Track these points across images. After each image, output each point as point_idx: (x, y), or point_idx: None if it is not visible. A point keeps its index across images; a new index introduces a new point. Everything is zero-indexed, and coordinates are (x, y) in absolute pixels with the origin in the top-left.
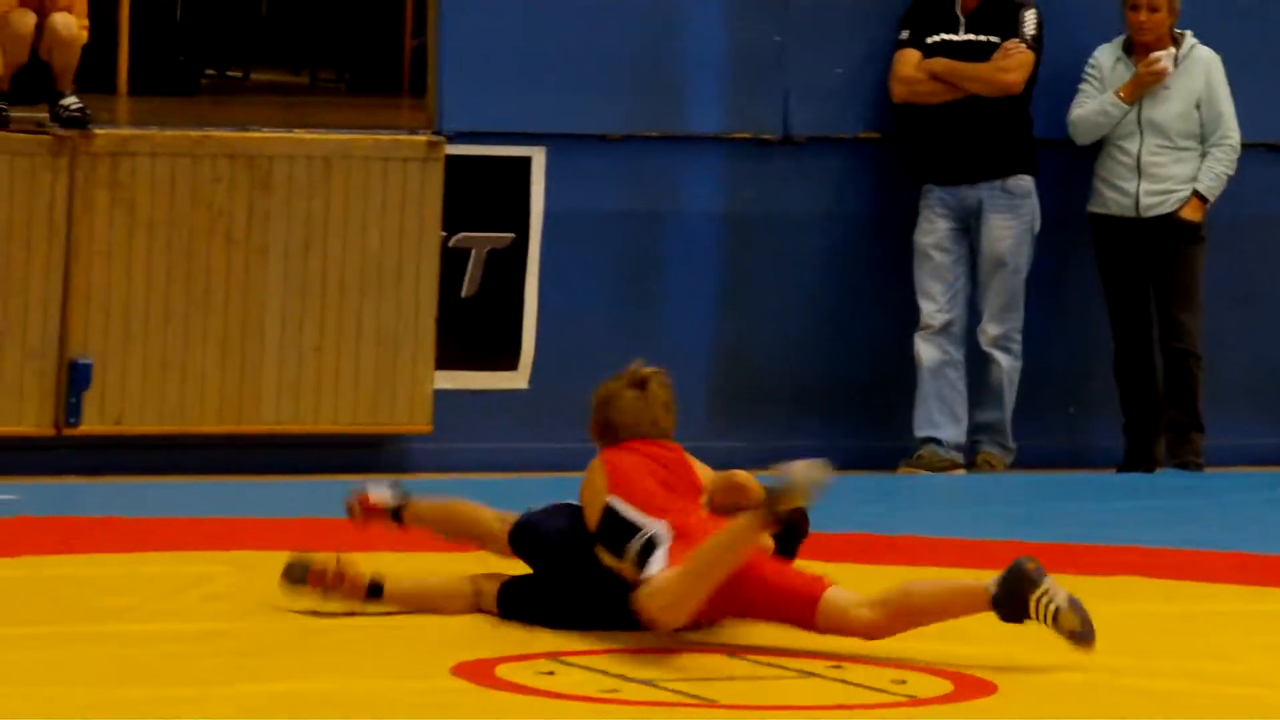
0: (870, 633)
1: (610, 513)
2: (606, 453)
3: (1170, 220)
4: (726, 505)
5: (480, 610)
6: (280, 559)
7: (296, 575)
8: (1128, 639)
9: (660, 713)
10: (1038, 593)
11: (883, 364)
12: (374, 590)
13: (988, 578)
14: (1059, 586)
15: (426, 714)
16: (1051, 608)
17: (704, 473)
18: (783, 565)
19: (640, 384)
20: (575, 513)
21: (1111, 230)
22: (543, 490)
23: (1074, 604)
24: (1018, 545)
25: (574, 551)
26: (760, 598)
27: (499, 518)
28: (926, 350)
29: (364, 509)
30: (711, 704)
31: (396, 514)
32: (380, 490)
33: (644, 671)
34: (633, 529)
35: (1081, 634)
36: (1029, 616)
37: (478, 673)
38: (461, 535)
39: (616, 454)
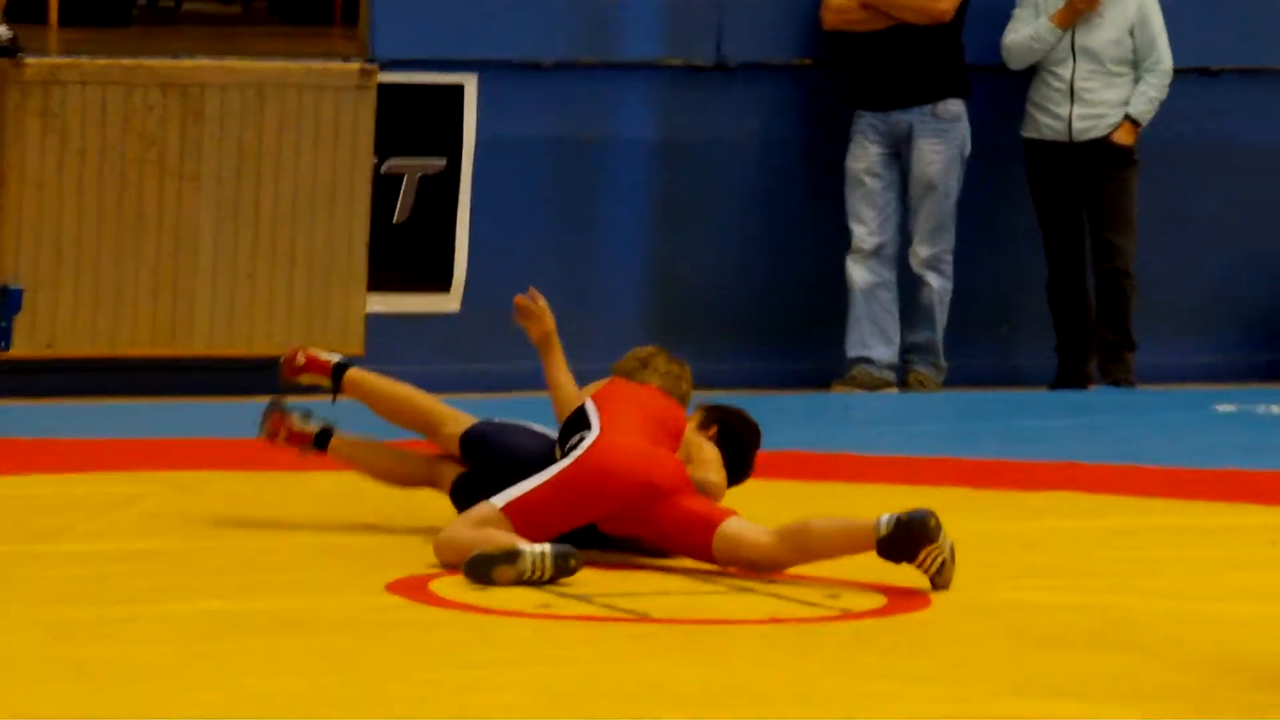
0: (764, 564)
1: (579, 411)
2: (618, 379)
3: (1103, 144)
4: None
5: (431, 485)
6: (214, 480)
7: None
8: (1060, 554)
9: (593, 627)
10: (931, 547)
11: (816, 287)
12: (322, 438)
13: (879, 516)
14: (948, 542)
15: (359, 630)
16: (938, 563)
17: (701, 455)
18: (695, 497)
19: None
20: (534, 436)
21: (1044, 155)
22: (473, 412)
23: (952, 557)
24: (951, 462)
25: (526, 471)
26: (667, 522)
27: (453, 416)
28: (858, 273)
29: (306, 361)
30: (644, 618)
31: (335, 380)
32: (323, 354)
33: (578, 587)
34: (583, 427)
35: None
36: (911, 563)
37: (412, 588)
38: (403, 417)
39: (627, 383)
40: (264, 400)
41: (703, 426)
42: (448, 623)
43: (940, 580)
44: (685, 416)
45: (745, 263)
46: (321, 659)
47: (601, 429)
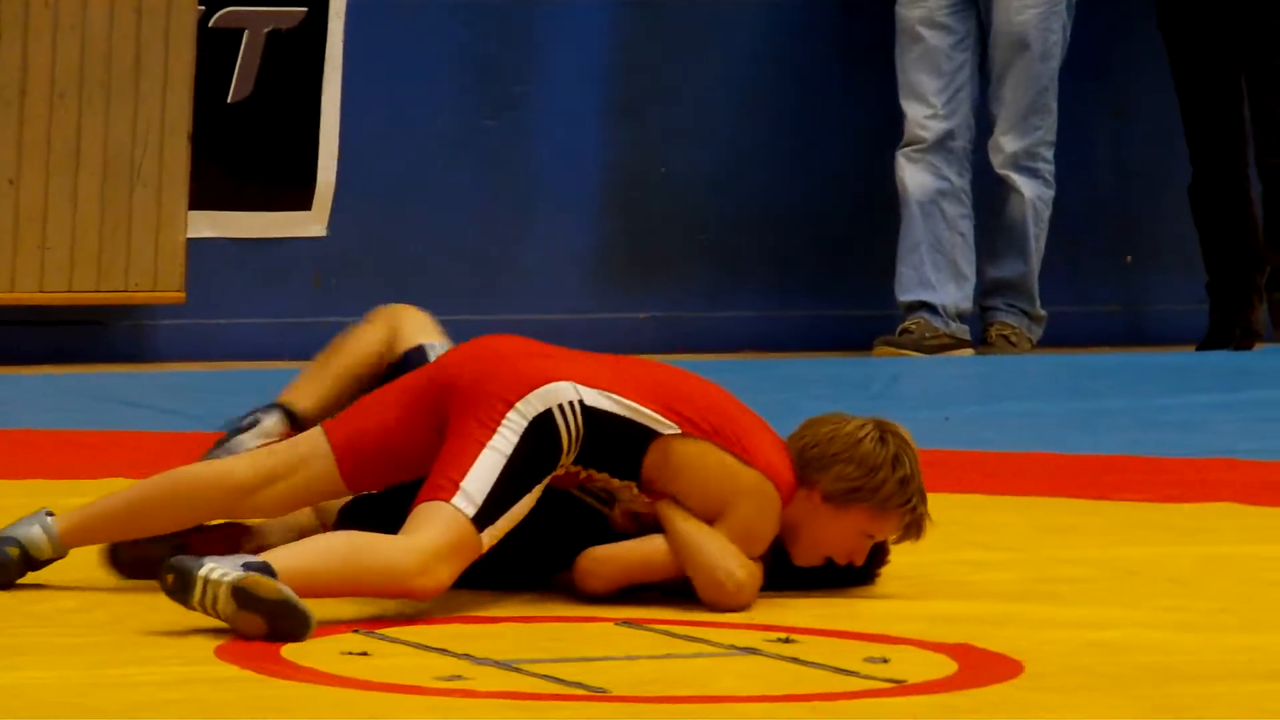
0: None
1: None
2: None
3: None
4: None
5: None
6: None
7: None
8: (1213, 593)
9: (527, 709)
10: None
11: (851, 199)
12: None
13: None
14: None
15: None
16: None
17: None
18: (461, 440)
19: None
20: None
21: None
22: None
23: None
24: (1052, 459)
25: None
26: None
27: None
28: (915, 176)
29: None
30: (599, 694)
31: None
32: None
33: (499, 648)
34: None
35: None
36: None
37: (256, 654)
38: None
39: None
40: (34, 372)
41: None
42: (307, 705)
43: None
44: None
45: (746, 164)
46: None
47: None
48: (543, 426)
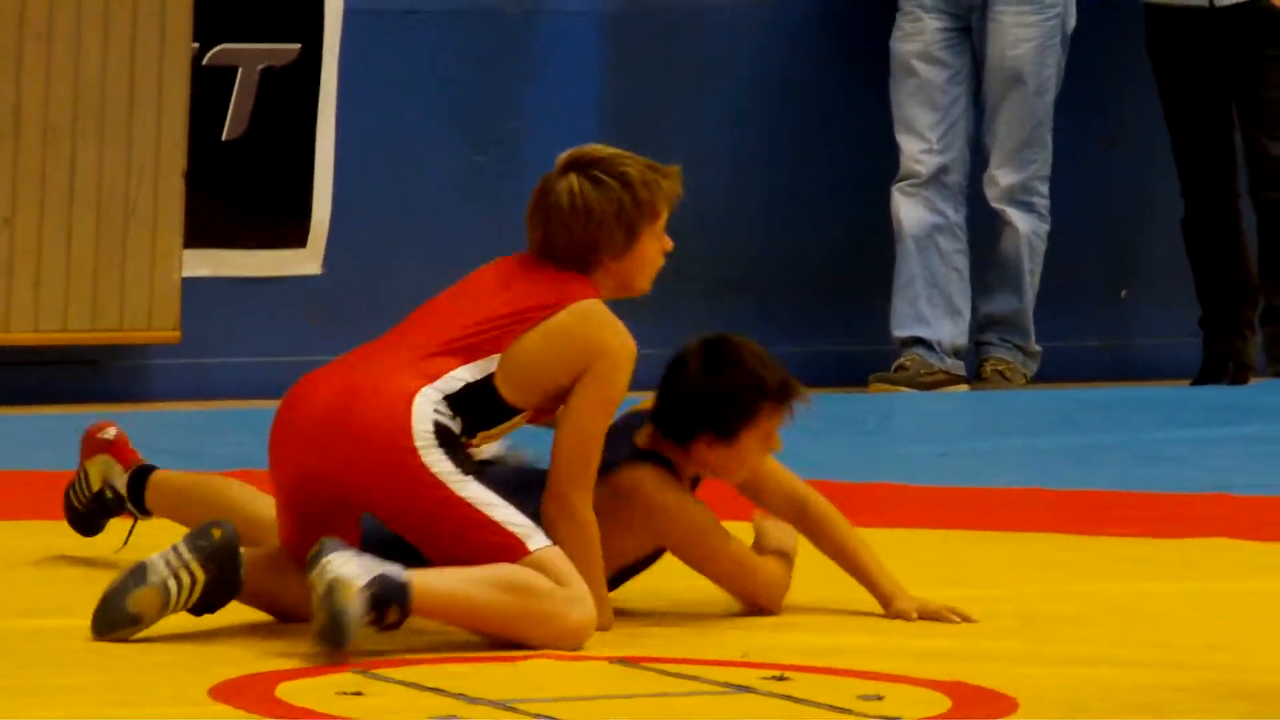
0: None
1: None
2: None
3: (1256, 9)
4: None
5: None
6: None
7: None
8: (1209, 630)
9: None
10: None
11: (845, 232)
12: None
13: None
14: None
15: None
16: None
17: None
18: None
19: None
20: None
21: (1175, 26)
22: None
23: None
24: (1047, 495)
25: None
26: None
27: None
28: (909, 210)
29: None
30: None
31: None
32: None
33: (493, 687)
34: None
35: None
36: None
37: (250, 694)
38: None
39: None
40: (25, 413)
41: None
42: None
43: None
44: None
45: (738, 194)
46: None
47: None
48: (444, 436)
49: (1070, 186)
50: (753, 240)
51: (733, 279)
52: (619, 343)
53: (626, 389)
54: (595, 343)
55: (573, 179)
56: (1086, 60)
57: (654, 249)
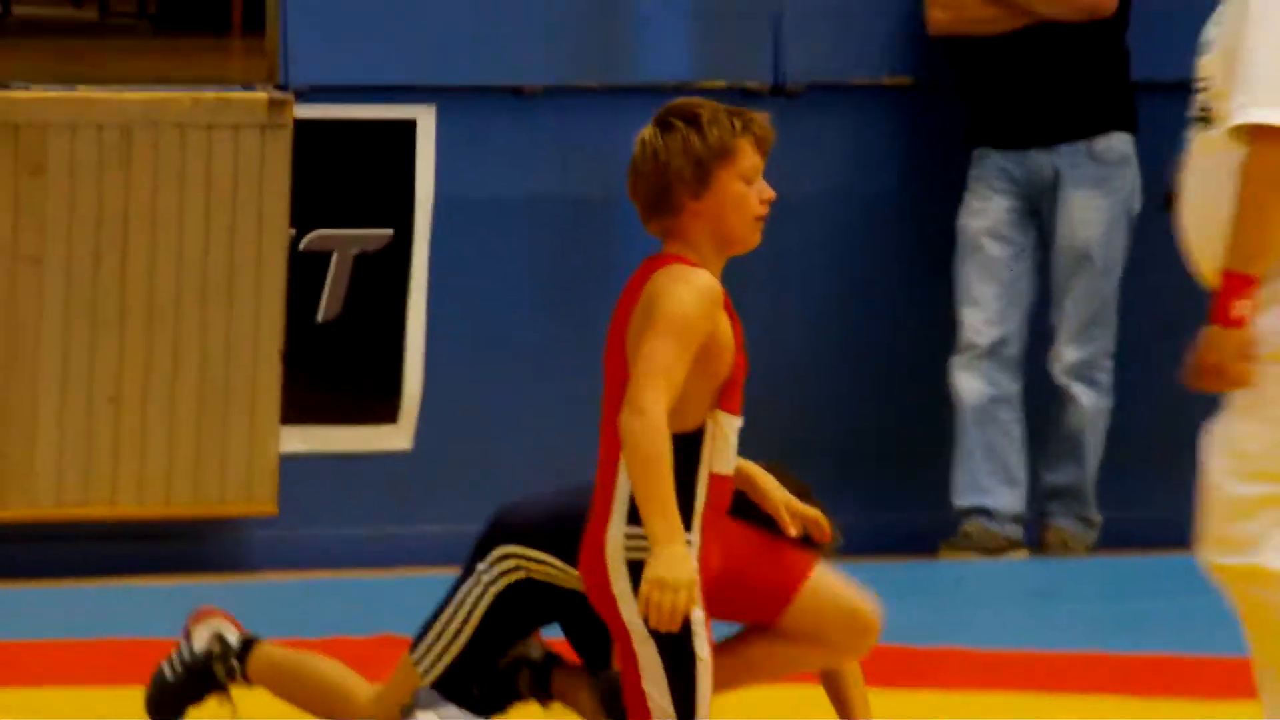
0: None
1: None
2: None
3: None
4: None
5: None
6: (51, 700)
7: None
8: None
9: None
10: None
11: (909, 404)
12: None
13: None
14: None
15: None
16: None
17: None
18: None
19: None
20: None
21: None
22: (430, 592)
23: None
24: (1108, 660)
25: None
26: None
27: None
28: (968, 382)
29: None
30: None
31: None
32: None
33: None
34: None
35: None
36: None
37: None
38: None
39: None
40: (132, 584)
41: None
42: None
43: None
44: None
45: (806, 365)
46: None
47: None
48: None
49: (1128, 362)
50: (820, 410)
51: (793, 449)
52: (687, 278)
53: (700, 317)
54: (658, 285)
55: (646, 130)
56: (1152, 239)
57: (737, 189)
